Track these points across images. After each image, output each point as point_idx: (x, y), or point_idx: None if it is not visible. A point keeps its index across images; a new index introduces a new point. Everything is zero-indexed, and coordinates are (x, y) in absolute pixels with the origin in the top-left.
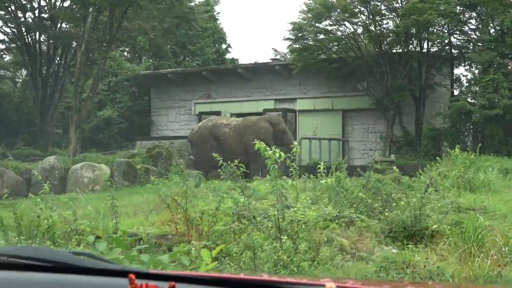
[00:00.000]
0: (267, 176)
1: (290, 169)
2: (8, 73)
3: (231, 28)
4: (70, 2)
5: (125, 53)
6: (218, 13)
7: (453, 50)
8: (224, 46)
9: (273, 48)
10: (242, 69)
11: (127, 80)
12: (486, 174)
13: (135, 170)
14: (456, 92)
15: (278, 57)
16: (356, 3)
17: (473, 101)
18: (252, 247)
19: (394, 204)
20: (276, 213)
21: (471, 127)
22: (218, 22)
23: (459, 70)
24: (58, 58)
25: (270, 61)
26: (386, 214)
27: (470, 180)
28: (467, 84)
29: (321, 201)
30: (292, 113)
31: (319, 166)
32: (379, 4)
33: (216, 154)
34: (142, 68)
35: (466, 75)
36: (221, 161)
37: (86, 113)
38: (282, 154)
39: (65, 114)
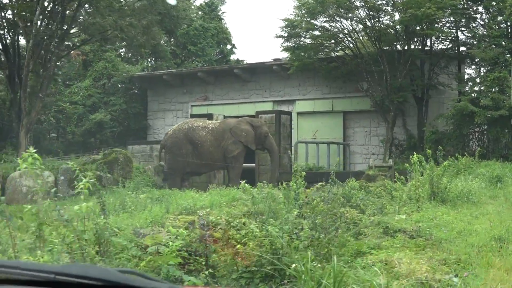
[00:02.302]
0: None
1: None
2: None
3: (238, 28)
4: None
5: (127, 54)
6: (223, 12)
7: (461, 48)
8: (229, 47)
9: None
10: (239, 70)
11: (123, 82)
12: (468, 183)
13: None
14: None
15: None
16: None
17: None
18: None
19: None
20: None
21: (476, 129)
22: (223, 22)
23: (470, 70)
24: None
25: (271, 61)
26: (238, 247)
27: (442, 191)
28: (471, 84)
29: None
30: (287, 116)
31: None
32: None
33: None
34: (138, 70)
35: (472, 74)
36: None
37: (36, 115)
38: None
39: (56, 118)
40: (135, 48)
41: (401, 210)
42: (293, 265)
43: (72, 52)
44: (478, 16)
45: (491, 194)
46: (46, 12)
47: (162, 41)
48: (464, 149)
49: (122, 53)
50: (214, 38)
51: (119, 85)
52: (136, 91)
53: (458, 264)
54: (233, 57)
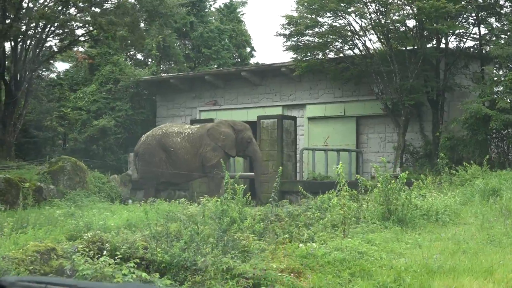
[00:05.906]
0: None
1: None
2: None
3: (259, 30)
4: None
5: (146, 58)
6: (242, 14)
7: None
8: (248, 49)
9: None
10: (247, 73)
11: (130, 86)
12: (438, 198)
13: (17, 190)
14: None
15: None
16: None
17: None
18: None
19: None
20: None
21: (494, 135)
22: (243, 24)
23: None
24: (23, 59)
25: (280, 62)
26: None
27: (399, 209)
28: (488, 85)
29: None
30: (291, 121)
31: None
32: None
33: None
34: (147, 74)
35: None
36: None
37: None
38: None
39: (59, 124)
40: (130, 48)
41: (316, 236)
42: None
43: (79, 55)
44: (502, 10)
45: (475, 210)
46: None
47: (176, 44)
48: (482, 156)
49: (135, 56)
50: (232, 40)
51: (131, 90)
52: (144, 96)
53: None
54: (252, 60)
